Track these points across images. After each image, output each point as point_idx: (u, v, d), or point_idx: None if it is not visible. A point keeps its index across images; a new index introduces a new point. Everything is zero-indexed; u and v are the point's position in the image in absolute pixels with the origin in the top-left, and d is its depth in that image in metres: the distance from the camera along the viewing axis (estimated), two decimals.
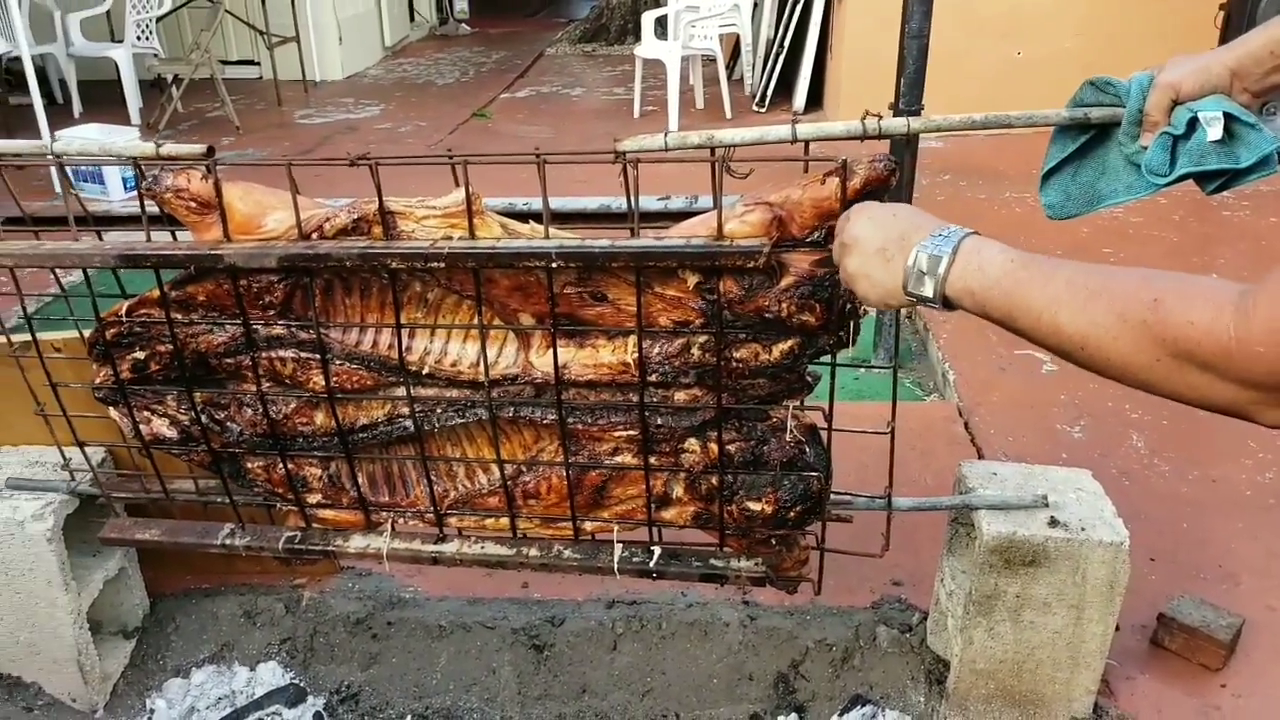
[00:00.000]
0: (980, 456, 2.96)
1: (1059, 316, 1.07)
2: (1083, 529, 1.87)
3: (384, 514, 1.86)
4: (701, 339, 1.59)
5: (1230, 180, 1.46)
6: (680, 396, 1.67)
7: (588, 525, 1.84)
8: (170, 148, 1.50)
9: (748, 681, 2.22)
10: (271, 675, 2.22)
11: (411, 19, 11.98)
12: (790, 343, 1.59)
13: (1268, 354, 0.88)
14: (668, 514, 1.80)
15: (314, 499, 1.83)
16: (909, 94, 3.27)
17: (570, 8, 14.56)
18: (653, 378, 1.63)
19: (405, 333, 1.63)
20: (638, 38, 11.24)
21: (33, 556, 1.96)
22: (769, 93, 7.64)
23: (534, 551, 1.86)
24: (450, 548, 1.86)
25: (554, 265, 1.52)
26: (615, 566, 1.83)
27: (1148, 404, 3.25)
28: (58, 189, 5.89)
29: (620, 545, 1.85)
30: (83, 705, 2.12)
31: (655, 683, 2.23)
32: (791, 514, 1.73)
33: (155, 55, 7.77)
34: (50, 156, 1.52)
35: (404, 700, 2.22)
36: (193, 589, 2.40)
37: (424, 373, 1.67)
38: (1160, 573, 2.42)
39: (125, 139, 5.55)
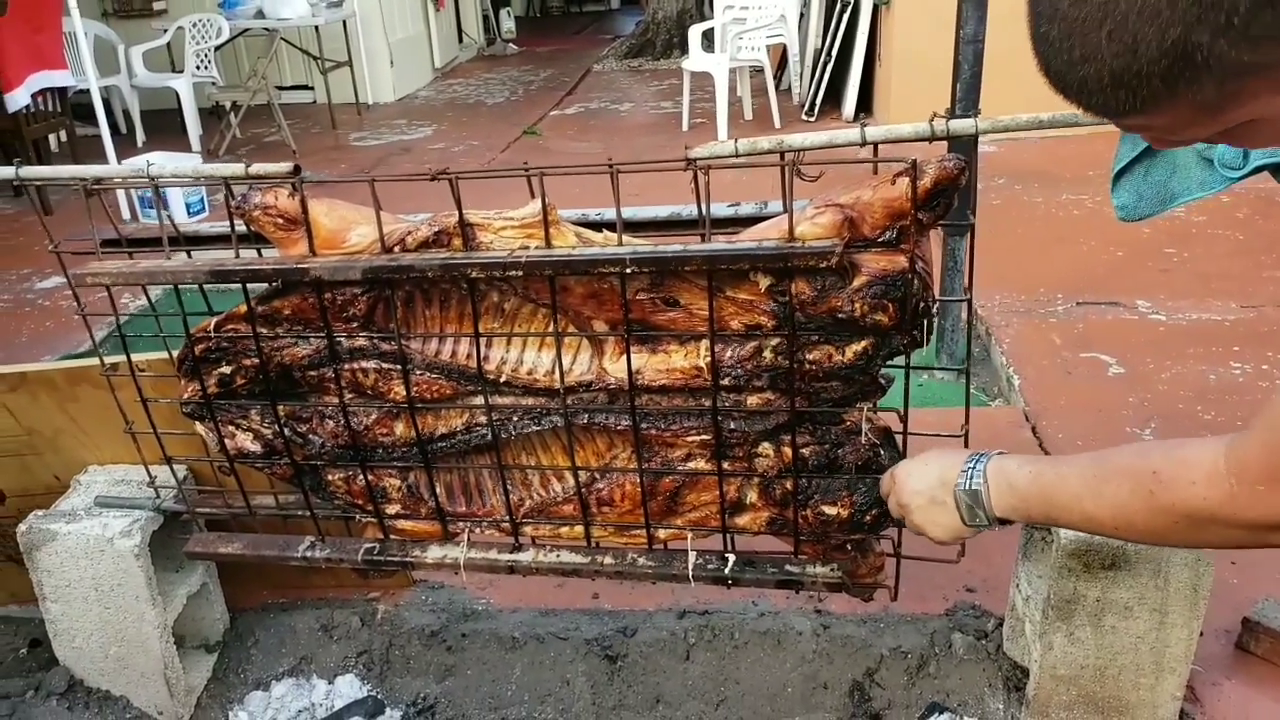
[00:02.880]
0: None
1: (1086, 507, 1.20)
2: None
3: (460, 524, 1.88)
4: (774, 342, 1.60)
5: None
6: (753, 400, 1.68)
7: (661, 533, 1.84)
8: (259, 167, 1.55)
9: (822, 690, 2.21)
10: (349, 688, 2.25)
11: (460, 40, 12.17)
12: (863, 343, 1.58)
13: (1269, 492, 0.97)
14: (742, 520, 1.80)
15: (393, 509, 1.86)
16: (965, 98, 3.25)
17: (615, 24, 14.70)
18: (725, 381, 1.64)
19: (483, 342, 1.66)
20: (683, 51, 11.32)
21: (121, 572, 2.01)
22: (818, 101, 7.65)
23: (609, 560, 1.87)
24: (526, 556, 1.88)
25: (628, 271, 1.53)
26: (690, 574, 1.83)
27: (1220, 405, 3.19)
28: (125, 215, 6.07)
29: (694, 553, 1.85)
30: (168, 718, 2.17)
31: (729, 692, 2.23)
32: (868, 518, 1.73)
33: (213, 83, 7.97)
34: (147, 178, 1.56)
35: (480, 712, 2.24)
36: (270, 604, 2.45)
37: (501, 381, 1.69)
38: (1242, 577, 2.36)
39: (190, 165, 5.70)
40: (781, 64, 8.57)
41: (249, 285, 1.67)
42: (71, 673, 2.14)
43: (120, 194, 5.93)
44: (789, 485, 1.72)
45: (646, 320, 1.64)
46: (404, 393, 1.70)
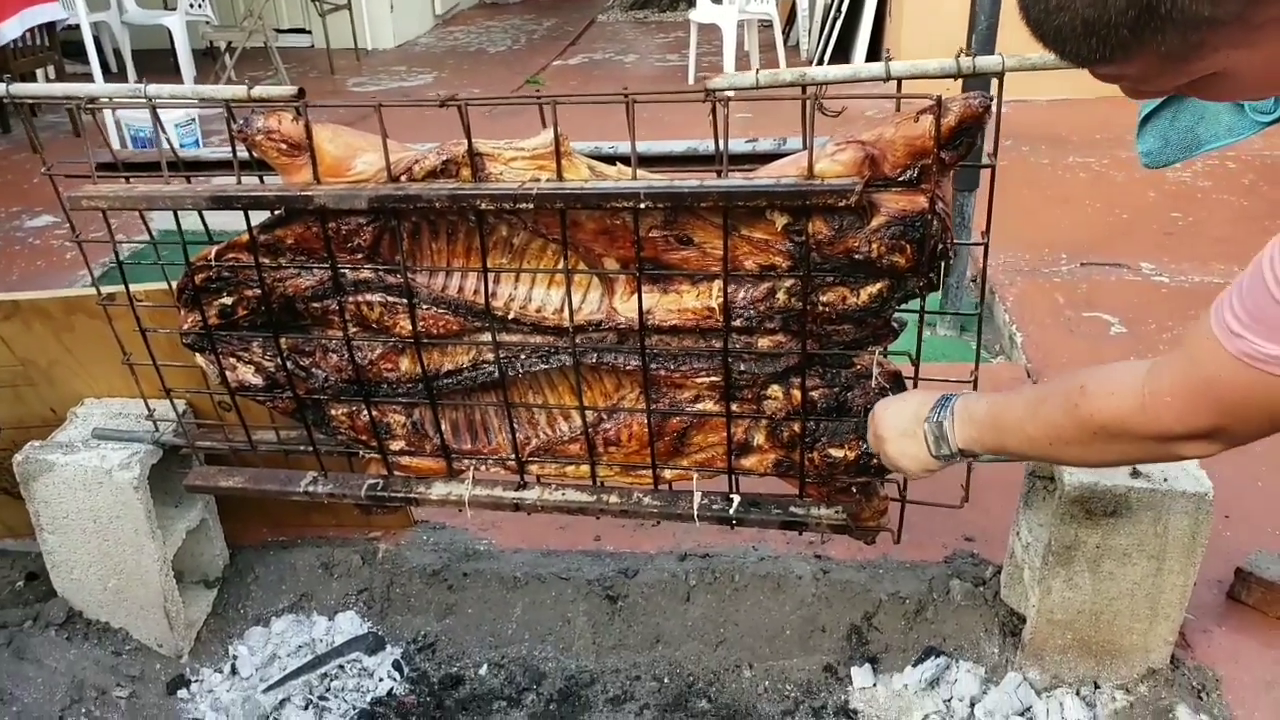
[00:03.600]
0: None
1: (1027, 429, 1.30)
2: (1165, 479, 1.84)
3: (465, 462, 1.87)
4: (788, 283, 1.58)
5: None
6: (764, 342, 1.66)
7: (667, 473, 1.84)
8: (261, 90, 1.50)
9: (820, 633, 2.22)
10: (350, 624, 2.25)
11: None
12: (879, 285, 1.57)
13: (1175, 402, 1.07)
14: (748, 462, 1.79)
15: (397, 446, 1.84)
16: (981, 48, 3.20)
17: None
18: (737, 323, 1.62)
19: (491, 278, 1.63)
20: (690, 3, 11.14)
21: (120, 505, 1.99)
22: (826, 57, 7.54)
23: (614, 499, 1.86)
24: (531, 495, 1.87)
25: (642, 206, 1.50)
26: (695, 513, 1.83)
27: None
28: (115, 146, 5.98)
29: (699, 493, 1.84)
30: (168, 650, 2.17)
31: (729, 633, 2.24)
32: (875, 460, 1.72)
33: (207, 22, 7.83)
34: (145, 99, 1.52)
35: (480, 650, 2.25)
36: (270, 541, 2.44)
37: (509, 318, 1.67)
38: (1235, 529, 2.37)
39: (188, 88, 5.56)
40: (790, 18, 8.45)
41: (251, 212, 1.63)
42: (70, 604, 2.14)
43: (111, 128, 5.85)
44: (796, 427, 1.71)
45: (659, 259, 1.61)
46: (410, 327, 1.68)
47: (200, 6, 7.67)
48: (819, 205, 1.50)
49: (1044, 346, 3.36)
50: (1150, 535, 1.84)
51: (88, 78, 6.16)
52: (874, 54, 7.33)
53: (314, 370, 1.77)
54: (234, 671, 2.17)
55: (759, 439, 1.76)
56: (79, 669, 2.03)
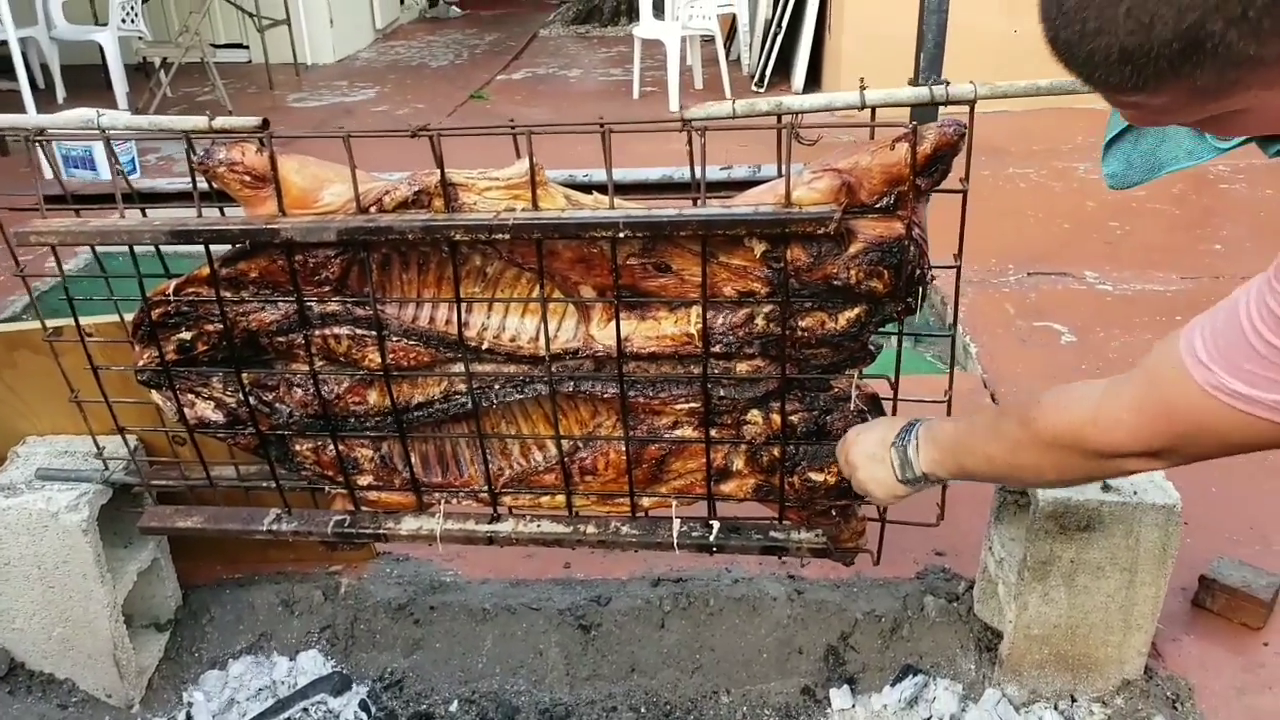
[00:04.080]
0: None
1: (989, 449, 1.33)
2: (1135, 493, 1.87)
3: (436, 495, 1.82)
4: (766, 308, 1.56)
5: None
6: (742, 367, 1.64)
7: (645, 501, 1.81)
8: (223, 120, 1.45)
9: (797, 655, 2.20)
10: (313, 664, 2.18)
11: (401, 2, 11.84)
12: (857, 310, 1.56)
13: (1129, 419, 1.09)
14: (727, 487, 1.77)
15: (365, 480, 1.79)
16: (929, 68, 3.26)
17: None
18: (716, 348, 1.60)
19: (464, 308, 1.59)
20: (631, 19, 11.16)
21: (67, 549, 1.90)
22: (768, 72, 7.59)
23: (591, 529, 1.83)
24: (505, 527, 1.83)
25: (621, 235, 1.48)
26: (675, 542, 1.80)
27: None
28: (47, 174, 5.78)
29: (679, 520, 1.81)
30: (118, 701, 2.07)
31: (705, 659, 2.21)
32: None
33: (140, 38, 7.64)
34: (98, 130, 1.45)
35: (450, 685, 2.19)
36: (225, 579, 2.36)
37: (483, 348, 1.63)
38: (1194, 536, 2.40)
39: (109, 122, 5.41)
40: (731, 34, 8.49)
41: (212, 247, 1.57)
42: (11, 655, 2.03)
43: (41, 153, 5.64)
44: (777, 452, 1.69)
45: (636, 286, 1.59)
46: (379, 360, 1.63)
47: (133, 21, 7.47)
48: (798, 233, 1.48)
49: (998, 356, 3.40)
50: (1122, 548, 1.86)
51: (14, 95, 5.96)
52: (814, 70, 7.39)
53: (278, 405, 1.71)
54: (189, 719, 2.09)
55: (738, 464, 1.74)
56: None
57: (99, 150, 5.56)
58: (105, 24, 7.46)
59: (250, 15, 8.37)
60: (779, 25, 7.48)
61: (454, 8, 12.55)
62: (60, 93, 7.54)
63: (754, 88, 7.68)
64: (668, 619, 2.25)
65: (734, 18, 8.09)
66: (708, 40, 7.82)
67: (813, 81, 7.36)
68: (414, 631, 2.26)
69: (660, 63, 7.29)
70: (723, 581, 2.32)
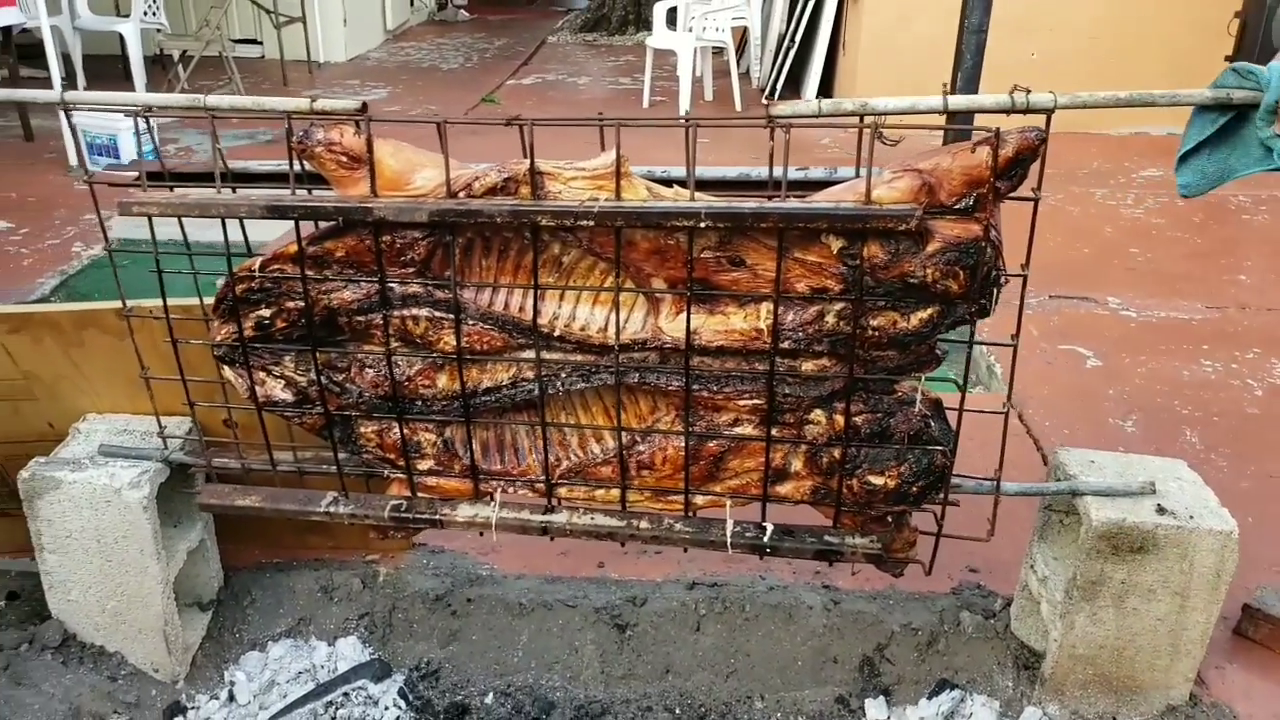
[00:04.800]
0: (1038, 449, 2.97)
1: None
2: (1191, 517, 1.87)
3: (493, 483, 1.83)
4: (838, 306, 1.58)
5: None
6: (808, 366, 1.66)
7: (699, 499, 1.82)
8: (324, 103, 1.47)
9: (832, 664, 2.21)
10: (352, 650, 2.18)
11: (411, 3, 11.89)
12: (930, 311, 1.58)
13: None
14: (784, 489, 1.78)
15: (425, 465, 1.80)
16: (965, 87, 3.28)
17: None
18: (785, 345, 1.62)
19: (538, 295, 1.61)
20: (638, 28, 11.24)
21: (127, 524, 1.91)
22: (779, 86, 7.65)
23: (644, 524, 1.84)
24: (560, 518, 1.84)
25: (701, 225, 1.50)
26: (728, 541, 1.81)
27: (1197, 400, 3.27)
28: (72, 160, 5.79)
29: (732, 520, 1.82)
30: (164, 675, 2.08)
31: (739, 664, 2.21)
32: (914, 489, 1.73)
33: (159, 30, 7.65)
34: (204, 110, 1.47)
35: (485, 678, 2.19)
36: (265, 563, 2.36)
37: (554, 335, 1.65)
38: (1240, 565, 2.42)
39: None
40: (740, 46, 8.55)
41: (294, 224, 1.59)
42: (65, 627, 2.03)
43: (67, 134, 5.66)
44: (836, 454, 1.71)
45: (709, 279, 1.61)
46: (454, 343, 1.65)
47: (154, 14, 7.49)
48: (877, 230, 1.51)
49: (1023, 378, 3.42)
50: (1176, 572, 1.87)
51: (45, 83, 5.96)
52: (825, 84, 7.45)
53: (348, 386, 1.72)
54: (231, 698, 2.09)
55: (797, 465, 1.76)
56: (75, 695, 1.93)
57: (122, 138, 5.57)
58: (127, 15, 7.48)
59: (268, 12, 8.41)
60: (792, 39, 7.54)
61: (462, 11, 12.62)
62: (81, 82, 7.54)
63: (764, 100, 7.72)
64: (703, 622, 2.26)
65: (745, 30, 8.16)
66: (717, 52, 7.89)
67: (824, 95, 7.42)
68: (451, 623, 2.26)
69: (668, 73, 7.35)
70: (758, 588, 2.33)
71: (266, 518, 1.97)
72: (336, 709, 2.05)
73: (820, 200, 1.55)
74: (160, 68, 7.93)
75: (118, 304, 1.88)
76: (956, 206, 1.53)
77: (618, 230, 1.54)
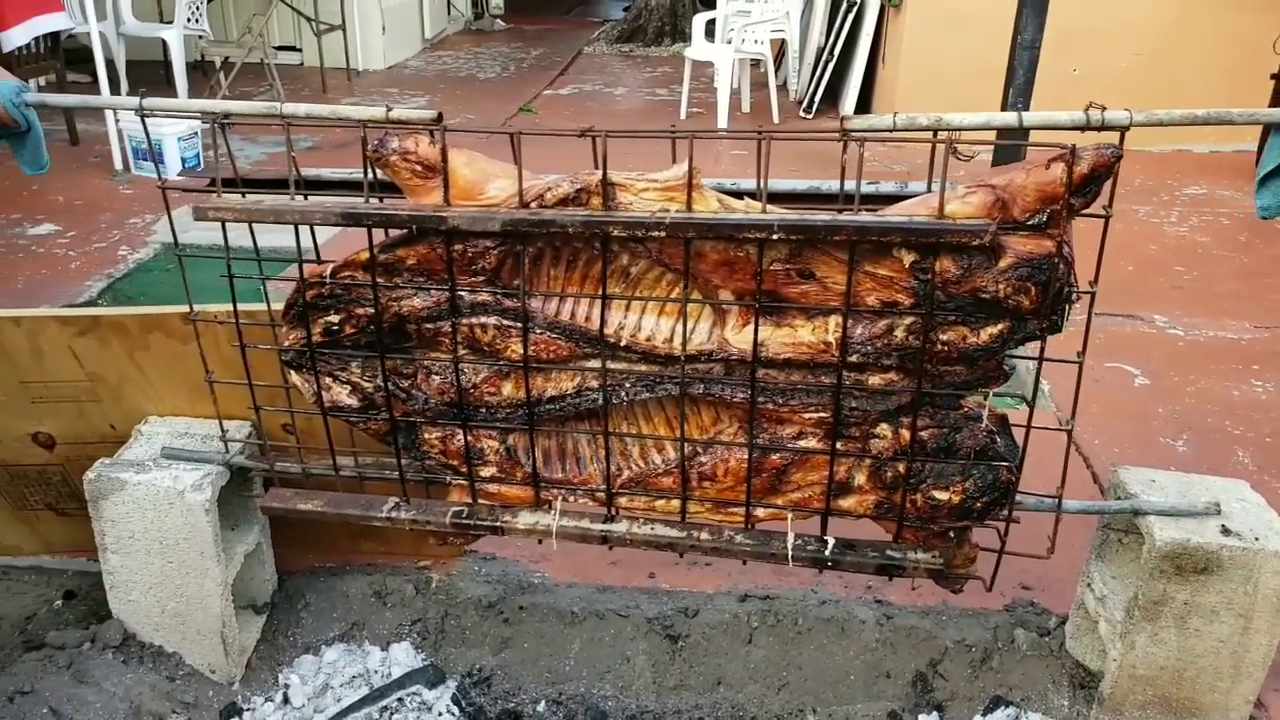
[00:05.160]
0: (1087, 466, 2.94)
1: None
2: (1256, 538, 1.85)
3: (553, 491, 1.83)
4: (907, 320, 1.58)
5: None
6: (875, 380, 1.66)
7: (760, 512, 1.81)
8: (400, 112, 1.49)
9: (885, 679, 2.20)
10: (405, 656, 2.19)
11: (448, 12, 11.98)
12: (1000, 326, 1.58)
13: None
14: (846, 503, 1.78)
15: (487, 472, 1.81)
16: (1016, 101, 3.26)
17: (601, 8, 14.56)
18: (853, 358, 1.62)
19: (601, 305, 1.62)
20: (674, 40, 11.27)
21: (189, 527, 1.93)
22: (817, 99, 7.64)
23: (705, 535, 1.84)
24: (620, 528, 1.84)
25: (774, 237, 1.50)
26: (789, 554, 1.81)
27: (1249, 421, 3.23)
28: (117, 165, 5.87)
29: (793, 534, 1.82)
30: (221, 677, 2.09)
31: (791, 677, 2.21)
32: (979, 504, 1.72)
33: (200, 37, 7.74)
34: (279, 117, 1.49)
35: (537, 685, 2.20)
36: (318, 568, 2.38)
37: (620, 345, 1.65)
38: None
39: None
40: (778, 59, 8.56)
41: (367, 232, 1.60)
42: (124, 626, 2.05)
43: (114, 138, 5.74)
44: (901, 468, 1.70)
45: (778, 291, 1.61)
46: (521, 351, 1.65)
47: (197, 21, 7.58)
48: (950, 244, 1.51)
49: (1071, 395, 3.39)
50: (1240, 593, 1.85)
51: (91, 88, 6.05)
52: (864, 97, 7.44)
53: (413, 392, 1.73)
54: (286, 701, 2.10)
55: (860, 479, 1.75)
56: (135, 694, 1.95)
57: (167, 144, 5.65)
58: (170, 22, 7.57)
59: (309, 20, 8.48)
60: (831, 52, 7.53)
61: (498, 21, 12.69)
62: (123, 87, 7.64)
63: (802, 114, 7.73)
64: (755, 635, 2.26)
65: (782, 43, 8.16)
66: (753, 64, 7.90)
67: (863, 109, 7.41)
68: (503, 630, 2.27)
69: (705, 84, 7.35)
70: (809, 601, 2.32)
71: (323, 522, 1.98)
72: (391, 714, 2.05)
73: (894, 214, 1.54)
74: (201, 73, 8.03)
75: (183, 308, 1.91)
76: (1029, 222, 1.53)
77: (687, 241, 1.55)
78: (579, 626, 2.27)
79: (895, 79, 6.93)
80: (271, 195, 1.56)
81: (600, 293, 1.61)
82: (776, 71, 8.46)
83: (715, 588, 2.36)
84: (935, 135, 1.55)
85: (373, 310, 1.63)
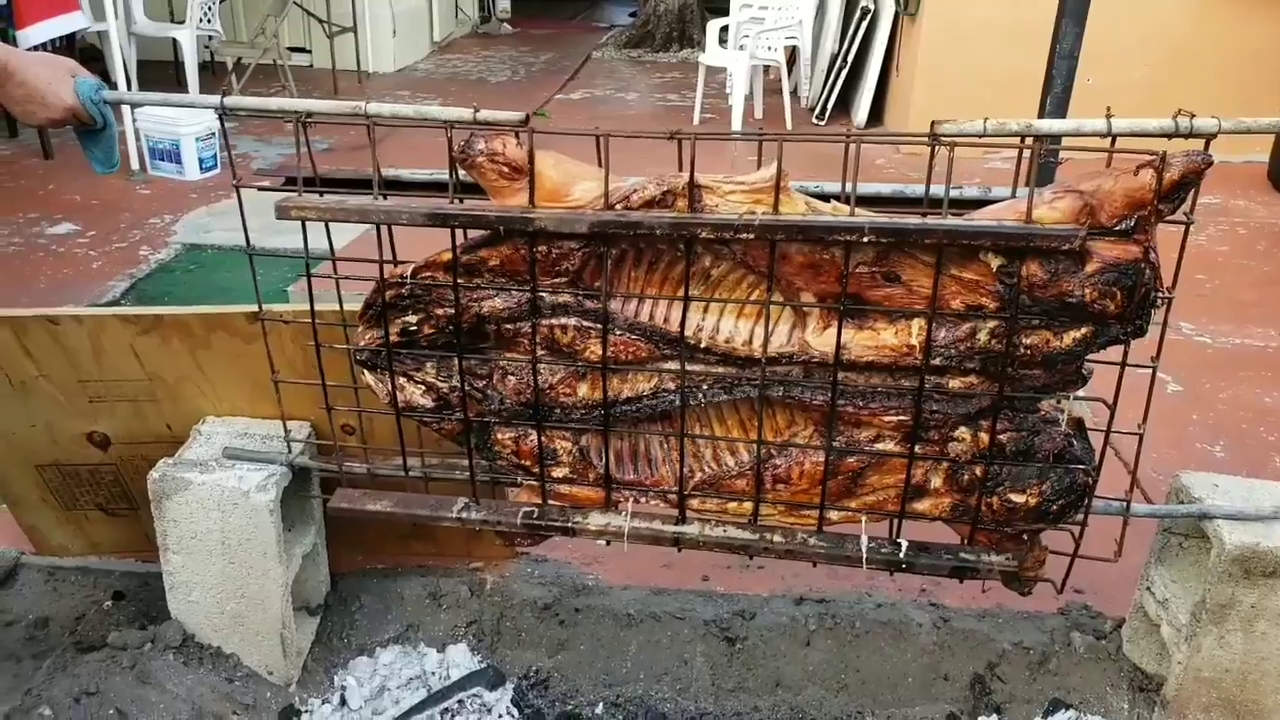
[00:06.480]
0: (1128, 471, 2.94)
1: None
2: None
3: (624, 493, 1.83)
4: (991, 324, 1.58)
5: None
6: (955, 383, 1.65)
7: (833, 515, 1.81)
8: (487, 113, 1.48)
9: (943, 681, 2.19)
10: (462, 658, 2.19)
11: (456, 16, 11.97)
12: (1083, 330, 1.58)
13: None
14: (921, 505, 1.77)
15: (560, 473, 1.80)
16: (1054, 111, 3.27)
17: (608, 13, 14.56)
18: (936, 361, 1.61)
19: (683, 307, 1.61)
20: (682, 46, 11.28)
21: (253, 527, 1.92)
22: (829, 106, 7.66)
23: (778, 538, 1.83)
24: (692, 530, 1.83)
25: (864, 240, 1.50)
26: (864, 557, 1.80)
27: None
28: (134, 165, 5.84)
29: (867, 536, 1.81)
30: (279, 678, 2.08)
31: (850, 679, 2.20)
32: (1055, 507, 1.72)
33: (211, 38, 7.73)
34: (364, 117, 1.48)
35: (594, 688, 2.19)
36: (371, 569, 2.37)
37: (700, 347, 1.65)
38: None
39: (196, 117, 5.46)
40: (789, 66, 8.57)
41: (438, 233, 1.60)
42: (184, 626, 2.04)
43: (131, 142, 5.72)
44: (978, 471, 1.70)
45: (861, 294, 1.61)
46: (599, 352, 1.65)
47: (209, 21, 7.57)
48: (1038, 249, 1.51)
49: (1111, 399, 3.39)
50: None
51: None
52: (877, 105, 7.45)
53: (488, 392, 1.72)
54: (343, 703, 2.09)
55: (936, 482, 1.75)
56: (196, 695, 1.94)
57: (185, 144, 5.63)
58: (183, 22, 7.56)
59: (322, 22, 8.47)
60: (844, 60, 7.55)
61: (506, 24, 12.69)
62: (134, 87, 7.61)
63: (815, 120, 7.75)
64: (813, 637, 2.25)
65: (794, 50, 8.17)
66: (765, 70, 7.91)
67: (874, 117, 7.43)
68: (559, 632, 2.26)
69: (716, 90, 7.35)
70: (865, 604, 2.31)
71: (376, 523, 1.98)
72: (452, 716, 2.04)
73: (982, 218, 1.54)
74: (211, 74, 8.01)
75: (249, 308, 1.90)
76: (1116, 228, 1.53)
77: (773, 243, 1.54)
78: (635, 629, 2.26)
79: (910, 87, 6.94)
80: (353, 195, 1.56)
81: (682, 294, 1.60)
82: (788, 78, 8.48)
83: (769, 591, 2.36)
84: (1022, 141, 1.55)
85: (452, 311, 1.62)
